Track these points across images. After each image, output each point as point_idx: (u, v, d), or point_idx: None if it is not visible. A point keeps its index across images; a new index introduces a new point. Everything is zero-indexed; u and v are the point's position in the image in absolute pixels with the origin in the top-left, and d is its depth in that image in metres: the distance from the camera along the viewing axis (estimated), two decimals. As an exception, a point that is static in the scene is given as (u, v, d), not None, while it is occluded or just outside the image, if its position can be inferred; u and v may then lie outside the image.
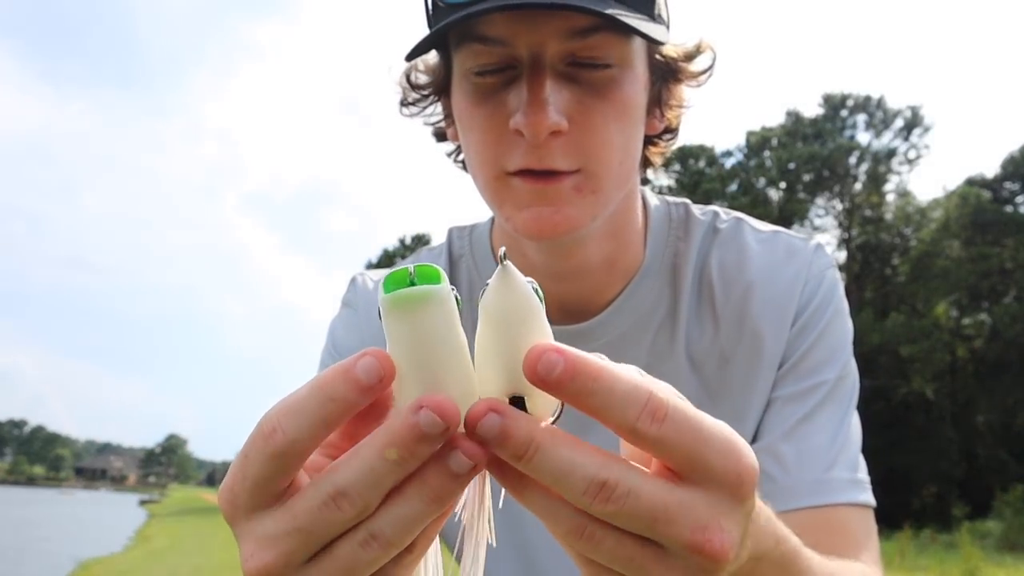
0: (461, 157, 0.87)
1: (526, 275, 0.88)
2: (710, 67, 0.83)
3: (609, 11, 0.66)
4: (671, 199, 0.92)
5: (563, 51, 0.70)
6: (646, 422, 0.35)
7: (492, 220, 0.92)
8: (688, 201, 0.91)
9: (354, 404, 0.35)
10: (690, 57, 0.81)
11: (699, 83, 0.83)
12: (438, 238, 1.00)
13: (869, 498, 0.78)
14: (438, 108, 0.87)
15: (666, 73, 0.81)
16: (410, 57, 0.74)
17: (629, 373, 0.37)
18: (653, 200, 0.90)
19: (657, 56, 0.79)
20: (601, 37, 0.70)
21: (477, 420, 0.35)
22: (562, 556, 0.87)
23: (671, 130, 0.85)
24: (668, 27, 0.78)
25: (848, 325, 0.85)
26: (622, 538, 0.37)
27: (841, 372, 0.82)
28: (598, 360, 0.36)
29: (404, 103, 0.87)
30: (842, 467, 0.77)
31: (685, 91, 0.84)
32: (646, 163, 0.86)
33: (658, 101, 0.81)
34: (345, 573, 0.37)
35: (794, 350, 0.82)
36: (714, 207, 0.91)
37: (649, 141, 0.84)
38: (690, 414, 0.37)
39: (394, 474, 0.35)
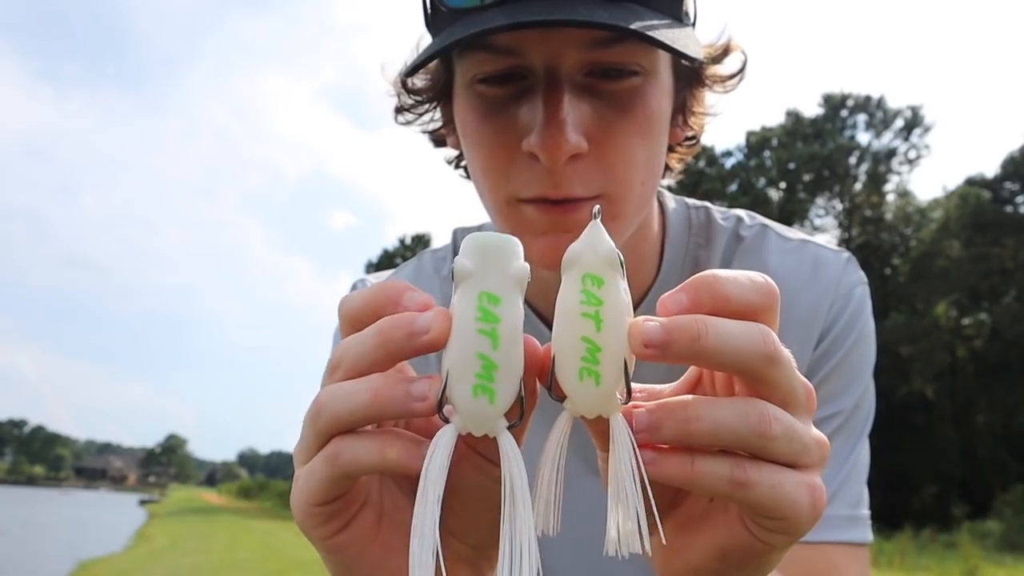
0: (464, 163, 0.80)
1: (538, 293, 0.83)
2: (741, 70, 0.75)
3: (635, 24, 0.58)
4: (691, 201, 0.85)
5: (582, 62, 0.62)
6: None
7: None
8: (709, 204, 0.85)
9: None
10: (717, 59, 0.74)
11: (727, 88, 0.75)
12: (438, 238, 0.96)
13: (866, 535, 0.74)
14: (436, 114, 0.80)
15: (691, 77, 0.73)
16: (410, 73, 0.67)
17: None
18: (671, 203, 0.83)
19: (683, 61, 0.70)
20: (624, 48, 0.62)
21: (638, 330, 0.37)
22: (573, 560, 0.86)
23: (693, 136, 0.78)
24: (694, 25, 0.70)
25: (872, 348, 0.79)
26: (775, 470, 0.39)
27: (858, 400, 0.76)
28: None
29: (400, 110, 0.79)
30: (842, 503, 0.73)
31: (711, 96, 0.76)
32: (664, 168, 0.79)
33: (682, 108, 0.74)
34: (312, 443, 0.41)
35: (813, 374, 0.76)
36: (738, 211, 0.84)
37: (669, 148, 0.77)
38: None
39: (375, 353, 0.39)
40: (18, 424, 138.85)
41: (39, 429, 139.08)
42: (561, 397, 0.39)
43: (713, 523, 0.43)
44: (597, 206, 0.41)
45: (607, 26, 0.57)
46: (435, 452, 0.37)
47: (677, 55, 0.61)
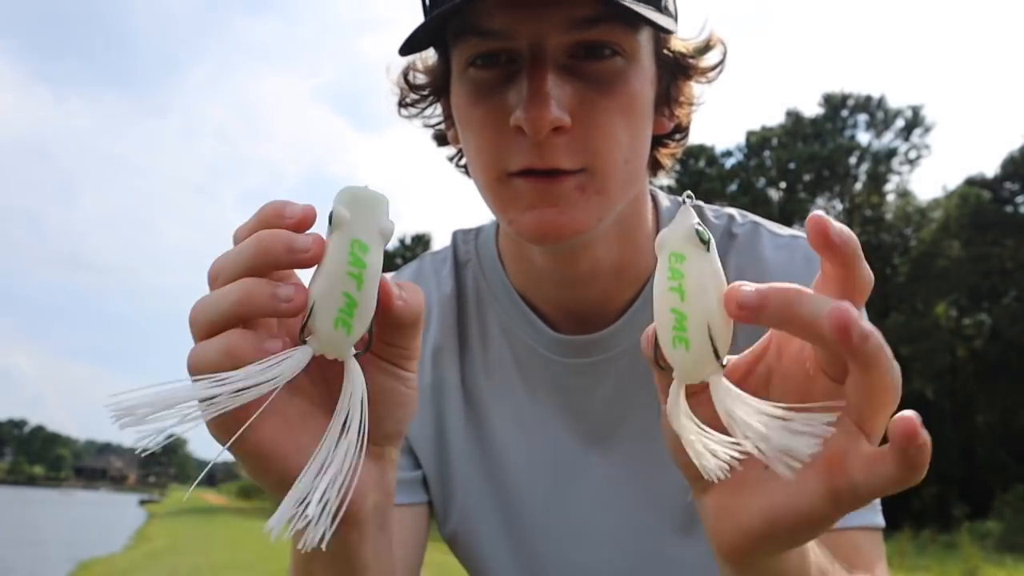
0: (463, 161, 0.84)
1: (533, 281, 0.88)
2: (721, 62, 0.80)
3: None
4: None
5: (565, 43, 0.67)
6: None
7: (497, 223, 0.89)
8: (701, 203, 0.88)
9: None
10: (700, 52, 0.78)
11: (709, 80, 0.80)
12: (438, 238, 0.97)
13: (880, 519, 0.76)
14: (437, 110, 0.84)
15: (675, 69, 0.77)
16: (404, 50, 0.71)
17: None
18: (664, 201, 0.87)
19: (665, 51, 0.76)
20: (605, 28, 0.67)
21: (734, 294, 0.41)
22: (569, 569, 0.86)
23: (681, 129, 0.82)
24: (676, 20, 0.75)
25: None
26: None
27: None
28: None
29: (402, 103, 0.84)
30: None
31: (695, 88, 0.81)
32: (656, 165, 0.83)
33: (667, 99, 0.78)
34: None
35: None
36: (730, 210, 0.88)
37: (659, 142, 0.81)
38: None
39: (249, 255, 0.43)
40: (18, 424, 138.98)
41: (39, 429, 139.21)
42: (668, 367, 0.44)
43: (768, 489, 0.44)
44: (688, 192, 0.45)
45: None
46: (287, 360, 0.43)
47: (651, 25, 0.67)
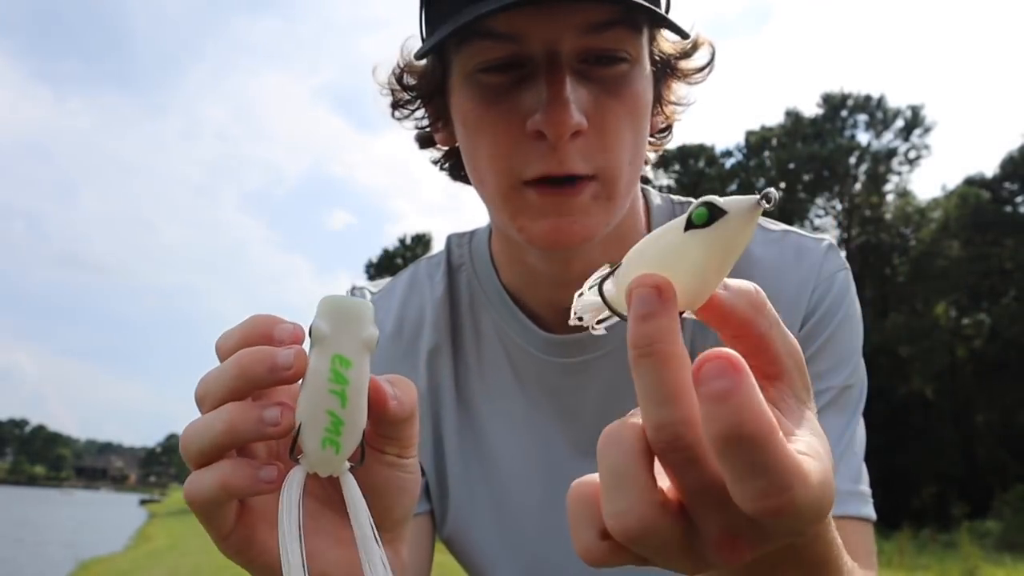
0: (448, 164, 0.84)
1: (527, 283, 0.88)
2: (709, 63, 0.80)
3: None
4: (676, 198, 0.89)
5: (579, 47, 0.67)
6: None
7: (490, 227, 0.88)
8: (694, 200, 0.86)
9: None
10: (687, 54, 0.79)
11: (695, 80, 0.81)
12: (439, 237, 0.97)
13: (870, 511, 0.75)
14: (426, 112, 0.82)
15: (665, 69, 0.78)
16: (420, 56, 0.72)
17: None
18: (656, 199, 0.88)
19: (656, 51, 0.76)
20: (617, 31, 0.67)
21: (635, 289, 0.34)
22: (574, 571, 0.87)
23: (667, 127, 0.83)
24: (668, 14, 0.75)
25: (858, 330, 0.81)
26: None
27: (847, 380, 0.78)
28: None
29: (396, 105, 0.82)
30: (842, 478, 0.73)
31: (683, 88, 0.81)
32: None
33: (658, 99, 0.79)
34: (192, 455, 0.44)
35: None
36: None
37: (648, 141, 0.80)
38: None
39: (232, 383, 0.43)
40: (19, 424, 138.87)
41: (40, 429, 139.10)
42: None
43: None
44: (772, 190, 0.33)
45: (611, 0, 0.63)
46: (287, 490, 0.42)
47: (672, 28, 0.68)
